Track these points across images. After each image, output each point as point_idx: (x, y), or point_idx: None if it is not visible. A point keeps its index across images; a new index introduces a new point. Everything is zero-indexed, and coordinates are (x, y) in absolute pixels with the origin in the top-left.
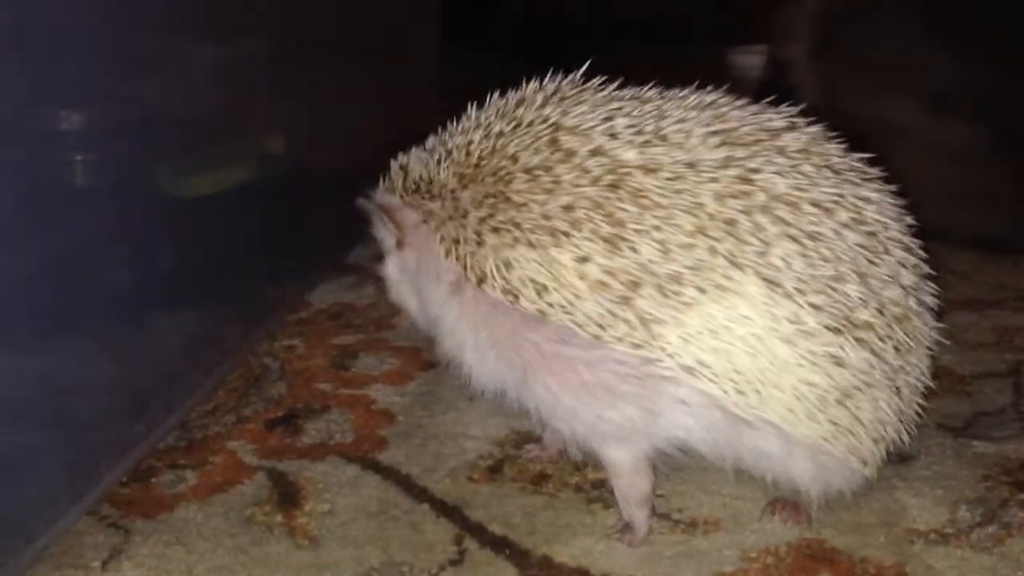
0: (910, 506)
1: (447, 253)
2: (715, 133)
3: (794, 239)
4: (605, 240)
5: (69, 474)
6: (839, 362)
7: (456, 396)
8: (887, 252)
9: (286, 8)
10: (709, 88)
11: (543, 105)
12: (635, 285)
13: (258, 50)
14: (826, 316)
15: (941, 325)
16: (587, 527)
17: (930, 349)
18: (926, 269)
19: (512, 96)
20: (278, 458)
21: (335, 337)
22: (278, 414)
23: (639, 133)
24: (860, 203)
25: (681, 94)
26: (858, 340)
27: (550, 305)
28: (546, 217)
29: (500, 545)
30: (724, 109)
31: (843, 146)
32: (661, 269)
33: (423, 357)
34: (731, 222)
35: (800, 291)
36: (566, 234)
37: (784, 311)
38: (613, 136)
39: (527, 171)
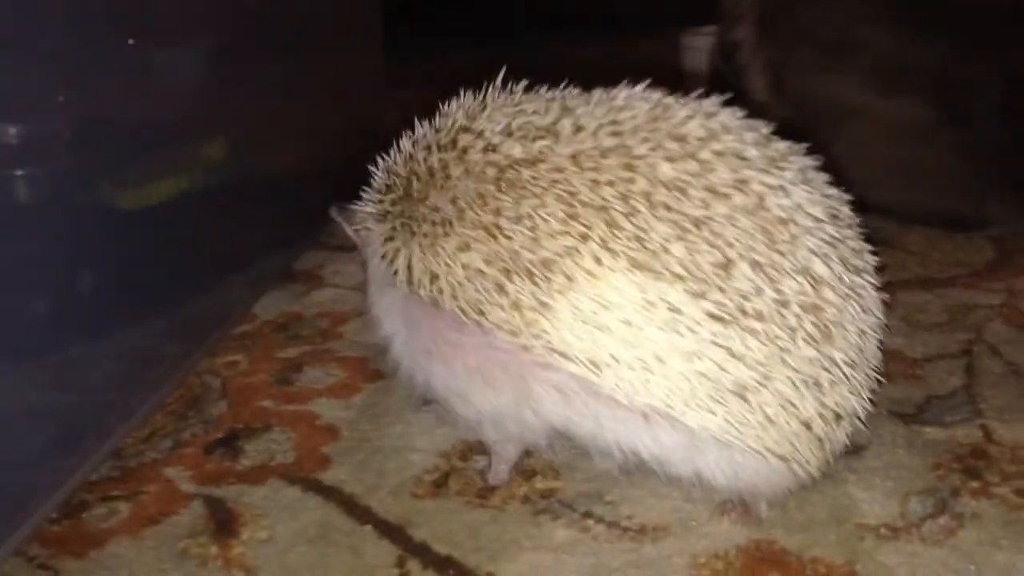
0: (860, 500)
1: (376, 252)
2: (610, 123)
3: (675, 224)
4: (484, 229)
5: None
6: (730, 352)
7: (403, 407)
8: (793, 240)
9: (218, 10)
10: (643, 83)
11: (459, 110)
12: (507, 272)
13: (192, 54)
14: (711, 304)
15: (882, 313)
16: (534, 540)
17: (869, 338)
18: (864, 257)
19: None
20: (216, 484)
21: (280, 350)
22: (218, 436)
23: (533, 130)
24: (766, 190)
25: (597, 92)
26: (750, 330)
27: (440, 292)
28: (436, 210)
29: (444, 565)
30: (628, 102)
31: (769, 132)
32: (532, 256)
33: (370, 367)
34: (603, 208)
35: (679, 277)
36: (451, 224)
37: (658, 297)
38: (508, 135)
39: (428, 171)
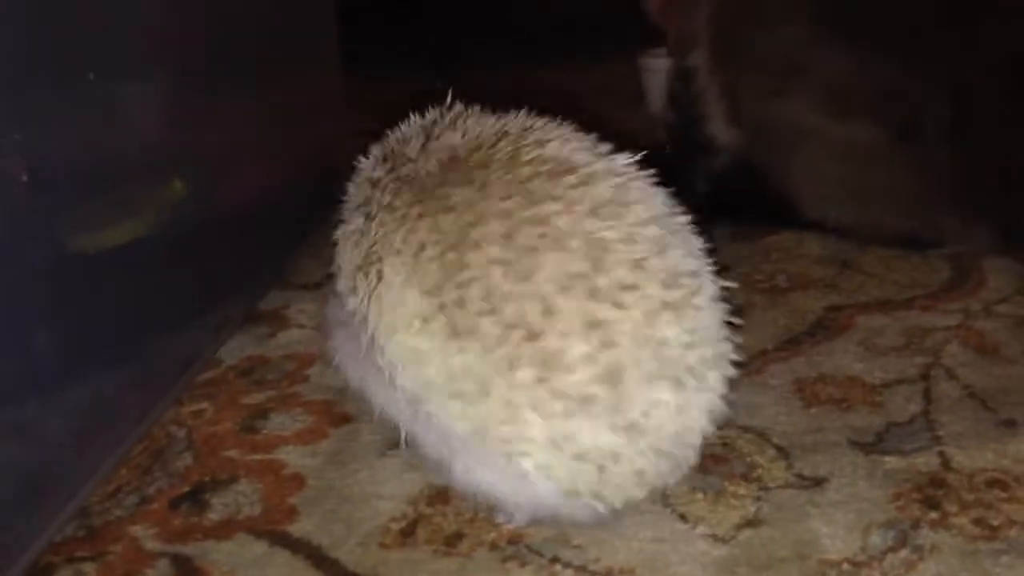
0: (822, 534)
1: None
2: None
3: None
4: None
5: None
6: (464, 365)
7: (369, 452)
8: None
9: (174, 46)
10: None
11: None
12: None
13: (147, 91)
14: (444, 318)
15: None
16: None
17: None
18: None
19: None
20: (183, 541)
21: (246, 396)
22: (183, 490)
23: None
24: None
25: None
26: (462, 349)
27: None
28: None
29: None
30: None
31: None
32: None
33: (336, 410)
34: (378, 221)
35: (428, 293)
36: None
37: (406, 306)
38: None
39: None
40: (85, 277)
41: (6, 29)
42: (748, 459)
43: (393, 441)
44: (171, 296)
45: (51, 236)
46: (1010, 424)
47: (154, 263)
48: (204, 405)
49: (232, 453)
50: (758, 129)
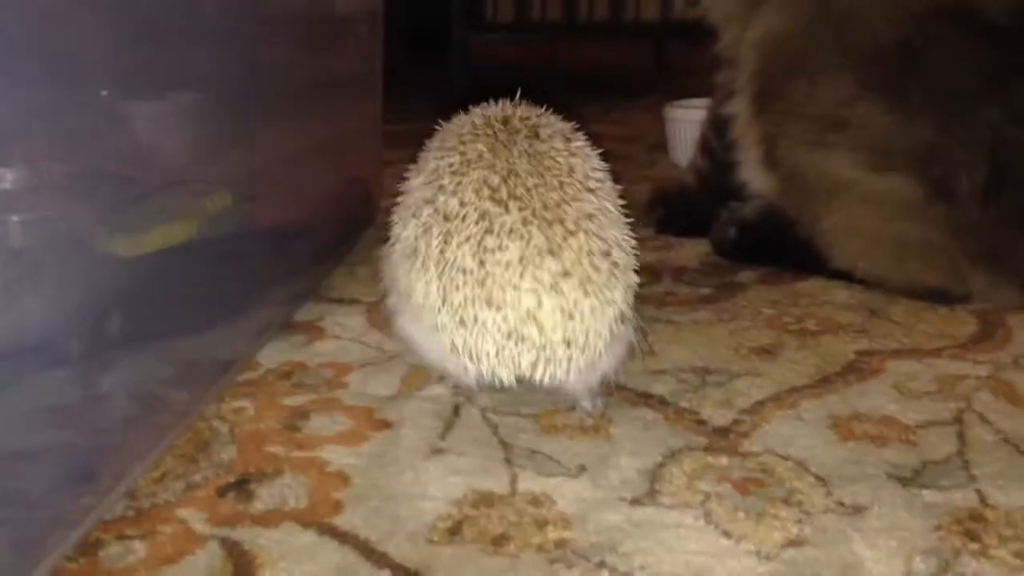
0: (866, 559)
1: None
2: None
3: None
4: None
5: (13, 551)
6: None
7: (412, 455)
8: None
9: (224, 60)
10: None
11: None
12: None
13: (197, 103)
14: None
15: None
16: None
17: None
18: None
19: None
20: (231, 526)
21: (286, 397)
22: (229, 480)
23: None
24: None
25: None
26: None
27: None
28: None
29: None
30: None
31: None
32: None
33: (376, 417)
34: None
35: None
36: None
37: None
38: None
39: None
40: (136, 277)
41: (85, 41)
42: (787, 484)
43: (434, 447)
44: (215, 298)
45: (103, 237)
46: None
47: (200, 266)
48: (245, 404)
49: (275, 449)
50: (794, 177)
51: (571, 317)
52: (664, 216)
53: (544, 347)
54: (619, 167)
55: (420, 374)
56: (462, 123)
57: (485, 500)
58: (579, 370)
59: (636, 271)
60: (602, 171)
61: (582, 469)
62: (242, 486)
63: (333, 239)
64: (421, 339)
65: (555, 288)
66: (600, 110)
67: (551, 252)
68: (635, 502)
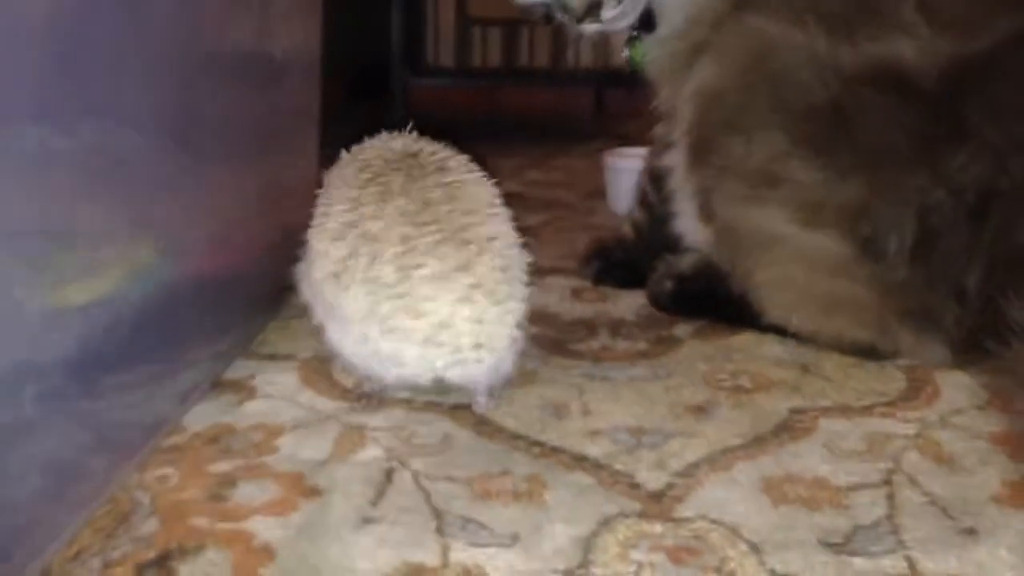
0: None
1: None
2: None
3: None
4: None
5: None
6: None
7: (342, 526)
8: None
9: (149, 103)
10: None
11: None
12: None
13: (123, 149)
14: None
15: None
16: None
17: None
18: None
19: None
20: None
21: (212, 464)
22: (150, 556)
23: None
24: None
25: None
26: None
27: None
28: None
29: None
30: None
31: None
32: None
33: (306, 483)
34: None
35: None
36: None
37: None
38: None
39: None
40: (52, 335)
41: None
42: (720, 553)
43: (365, 516)
44: (137, 357)
45: (13, 290)
46: (971, 532)
47: (122, 323)
48: (169, 471)
49: (200, 521)
50: (728, 231)
51: (480, 323)
52: (602, 268)
53: (458, 350)
54: (559, 214)
55: (353, 435)
56: (372, 155)
57: (416, 573)
58: (486, 370)
59: (527, 284)
60: (498, 199)
61: (515, 538)
62: (163, 563)
63: (266, 291)
64: (347, 348)
65: (467, 299)
66: (540, 155)
67: (463, 268)
68: (568, 574)
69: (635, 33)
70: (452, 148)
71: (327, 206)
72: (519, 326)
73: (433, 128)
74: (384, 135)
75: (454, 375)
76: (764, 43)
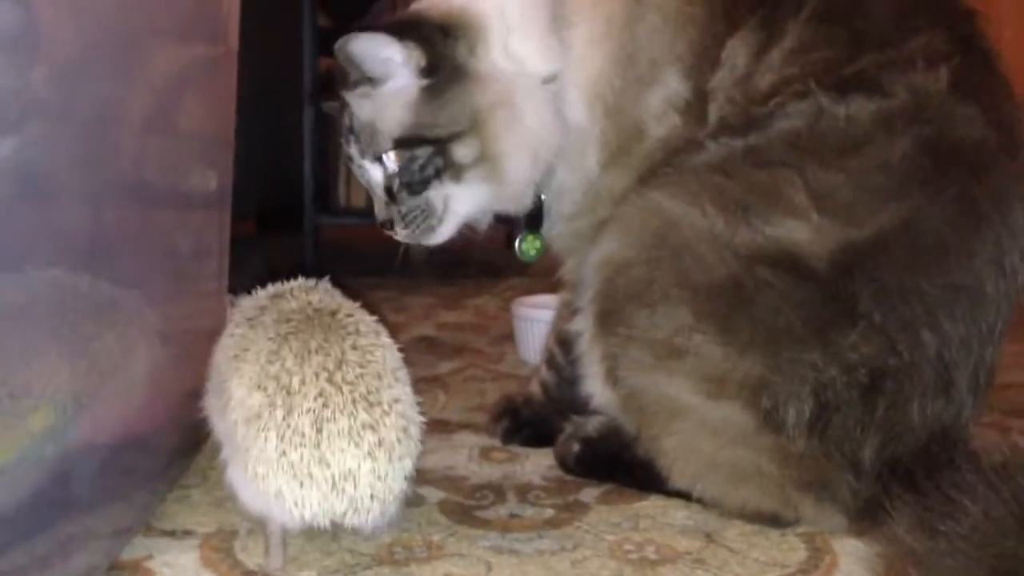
0: None
1: None
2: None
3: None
4: None
5: None
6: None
7: None
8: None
9: (49, 243)
10: None
11: None
12: None
13: (17, 300)
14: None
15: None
16: None
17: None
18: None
19: None
20: None
21: None
22: None
23: None
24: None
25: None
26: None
27: None
28: None
29: None
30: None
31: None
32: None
33: None
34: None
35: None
36: None
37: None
38: None
39: None
40: None
41: None
42: None
43: None
44: (29, 537)
45: None
46: None
47: (11, 500)
48: None
49: None
50: (635, 397)
51: (379, 478)
52: (510, 427)
53: (358, 499)
54: (469, 360)
55: None
56: (292, 307)
57: None
58: (377, 517)
59: (421, 441)
60: (400, 362)
61: None
62: None
63: (166, 459)
64: (249, 487)
65: (371, 455)
66: (452, 294)
67: (371, 427)
68: None
69: (524, 231)
70: (363, 308)
71: (243, 349)
72: (408, 479)
73: (345, 265)
74: (300, 281)
75: (350, 520)
76: (666, 219)
